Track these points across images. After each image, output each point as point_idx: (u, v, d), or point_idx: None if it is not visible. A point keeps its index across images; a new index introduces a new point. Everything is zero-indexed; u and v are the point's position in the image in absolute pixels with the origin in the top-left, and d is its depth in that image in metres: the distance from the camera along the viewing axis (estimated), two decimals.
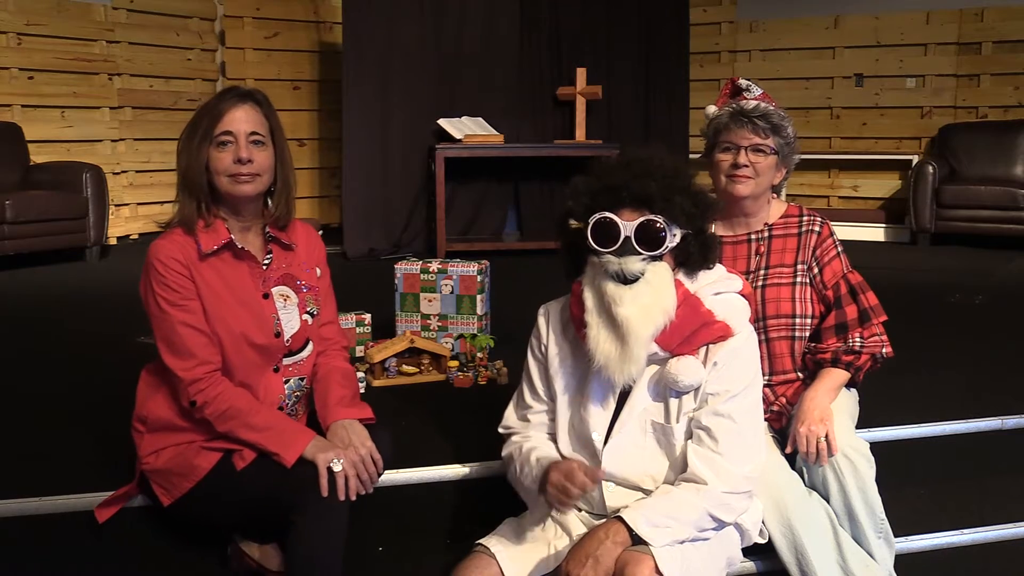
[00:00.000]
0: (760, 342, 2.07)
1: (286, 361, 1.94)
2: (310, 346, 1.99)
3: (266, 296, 1.91)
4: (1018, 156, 6.34)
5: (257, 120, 1.87)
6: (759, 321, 2.09)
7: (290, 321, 1.94)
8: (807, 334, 2.12)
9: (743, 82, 2.18)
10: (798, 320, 2.10)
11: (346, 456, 1.77)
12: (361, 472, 1.78)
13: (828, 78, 7.19)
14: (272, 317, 1.90)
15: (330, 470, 1.74)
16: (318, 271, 2.03)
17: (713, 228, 2.15)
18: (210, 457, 1.83)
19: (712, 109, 2.18)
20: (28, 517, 2.00)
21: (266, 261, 1.94)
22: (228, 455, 1.82)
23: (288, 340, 1.93)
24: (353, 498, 1.76)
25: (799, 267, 2.13)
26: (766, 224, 2.17)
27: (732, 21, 7.46)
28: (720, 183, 2.13)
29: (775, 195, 2.23)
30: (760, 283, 2.12)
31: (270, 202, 1.93)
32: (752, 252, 2.16)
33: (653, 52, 6.50)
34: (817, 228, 2.15)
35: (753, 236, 2.17)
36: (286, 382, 1.95)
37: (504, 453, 1.91)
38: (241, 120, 1.84)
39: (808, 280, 2.13)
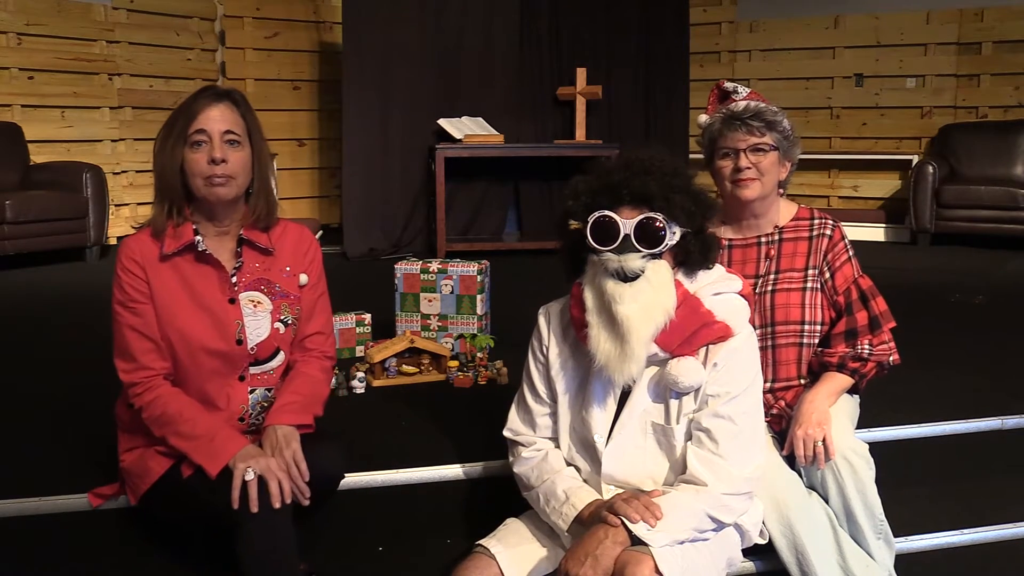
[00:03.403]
0: (767, 348, 2.07)
1: (253, 370, 1.88)
2: (280, 356, 1.92)
3: (232, 301, 1.85)
4: (1018, 156, 6.34)
5: (232, 119, 1.81)
6: (767, 327, 2.08)
7: (258, 328, 1.87)
8: (816, 341, 2.10)
9: (729, 85, 2.16)
10: (807, 327, 2.08)
11: (269, 463, 1.69)
12: (284, 480, 1.68)
13: (828, 78, 7.19)
14: (236, 323, 1.84)
15: (245, 481, 1.65)
16: (303, 278, 1.95)
17: (721, 231, 2.15)
18: (162, 462, 1.80)
19: (704, 118, 2.16)
20: (28, 517, 2.00)
21: (236, 265, 1.88)
22: (180, 462, 1.78)
23: (253, 348, 1.87)
24: (276, 505, 1.65)
25: (810, 272, 2.11)
26: (776, 227, 2.15)
27: (732, 21, 7.46)
28: (726, 189, 2.10)
29: (781, 191, 2.21)
30: (770, 288, 2.10)
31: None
32: (762, 256, 2.14)
33: (653, 52, 6.50)
34: (828, 232, 2.13)
35: (763, 239, 2.15)
36: (251, 392, 1.89)
37: (517, 470, 1.89)
38: (216, 119, 1.79)
39: (819, 286, 2.10)
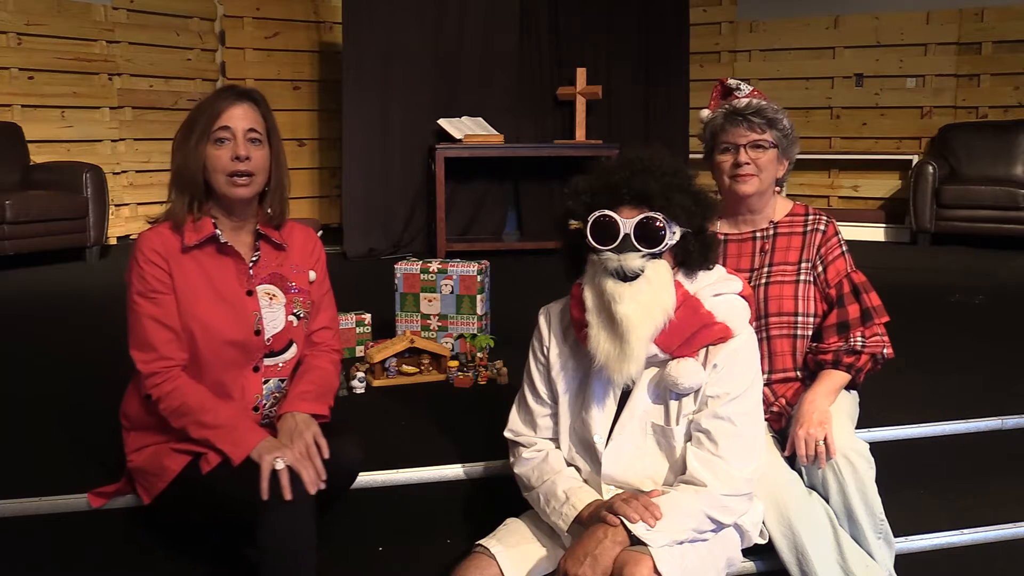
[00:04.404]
0: (761, 340, 2.07)
1: (267, 361, 1.92)
2: (293, 348, 1.96)
3: (250, 293, 1.89)
4: (1018, 156, 6.34)
5: (255, 118, 1.87)
6: (761, 319, 2.09)
7: (274, 320, 1.91)
8: (809, 333, 2.11)
9: (732, 82, 2.19)
10: (800, 319, 2.10)
11: (291, 451, 1.71)
12: (309, 469, 1.70)
13: (828, 78, 7.19)
14: (253, 314, 1.88)
15: (274, 471, 1.67)
16: (312, 275, 2.00)
17: (717, 226, 2.16)
18: (179, 459, 1.82)
19: (705, 113, 2.19)
20: (28, 517, 2.00)
21: (254, 258, 1.92)
22: (197, 459, 1.79)
23: (269, 339, 1.91)
24: (312, 491, 1.68)
25: (803, 265, 2.12)
26: (771, 222, 2.17)
27: (732, 21, 7.46)
28: (724, 184, 2.13)
29: (779, 189, 2.23)
30: (763, 281, 2.12)
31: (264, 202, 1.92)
32: (756, 250, 2.16)
33: (653, 52, 6.50)
34: (822, 227, 2.15)
35: (758, 234, 2.17)
36: (265, 383, 1.92)
37: (517, 471, 1.90)
38: (239, 117, 1.84)
39: (812, 279, 2.12)
